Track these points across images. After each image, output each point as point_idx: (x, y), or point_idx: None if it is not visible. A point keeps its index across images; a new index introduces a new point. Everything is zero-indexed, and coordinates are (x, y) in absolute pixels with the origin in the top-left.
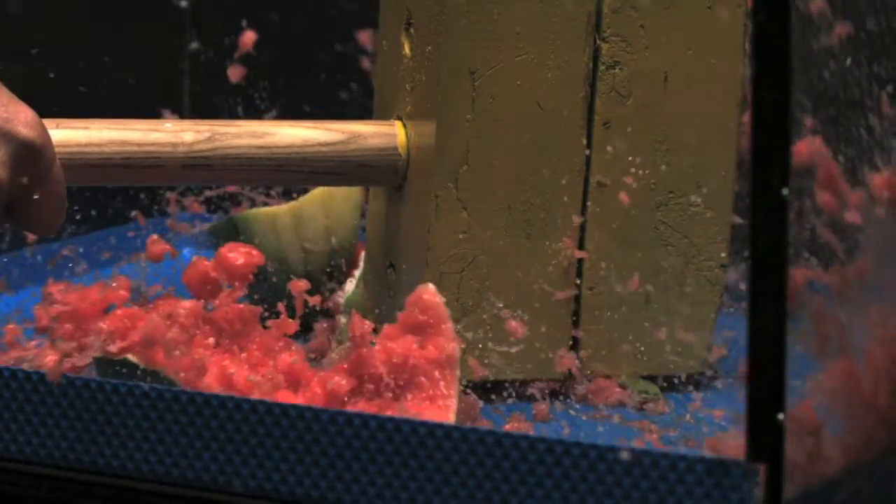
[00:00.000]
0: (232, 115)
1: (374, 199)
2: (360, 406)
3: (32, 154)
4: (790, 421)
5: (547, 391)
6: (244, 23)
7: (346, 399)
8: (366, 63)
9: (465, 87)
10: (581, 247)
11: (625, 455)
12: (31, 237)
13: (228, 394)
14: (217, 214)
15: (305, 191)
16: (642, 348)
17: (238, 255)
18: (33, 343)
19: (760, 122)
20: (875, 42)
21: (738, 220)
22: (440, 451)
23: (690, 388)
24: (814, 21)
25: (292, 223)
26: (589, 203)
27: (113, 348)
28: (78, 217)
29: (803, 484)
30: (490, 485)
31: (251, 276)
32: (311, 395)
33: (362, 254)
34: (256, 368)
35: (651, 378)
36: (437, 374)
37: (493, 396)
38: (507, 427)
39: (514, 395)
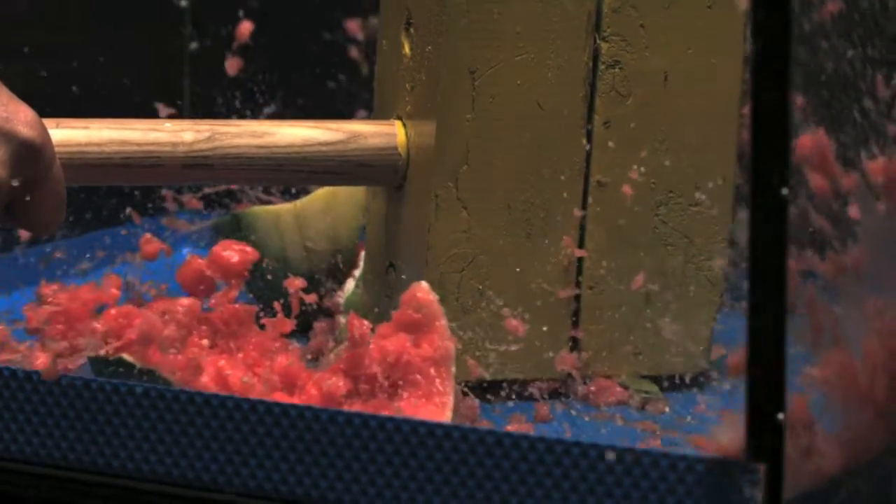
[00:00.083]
0: (230, 109)
1: (374, 198)
2: (357, 406)
3: (32, 154)
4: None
5: (547, 391)
6: (240, 13)
7: (342, 400)
8: (354, 52)
9: (465, 86)
10: (581, 246)
11: (625, 455)
12: (24, 236)
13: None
14: (215, 211)
15: (307, 190)
16: (642, 348)
17: (233, 252)
18: (25, 344)
19: (760, 121)
20: (868, 23)
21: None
22: (440, 451)
23: (694, 389)
24: None
25: (295, 222)
26: (589, 202)
27: (108, 348)
28: (71, 219)
29: (798, 479)
30: (490, 485)
31: (246, 274)
32: (307, 398)
33: (362, 254)
34: (253, 369)
35: (651, 378)
36: (432, 371)
37: (493, 397)
38: (508, 428)
39: (514, 395)
